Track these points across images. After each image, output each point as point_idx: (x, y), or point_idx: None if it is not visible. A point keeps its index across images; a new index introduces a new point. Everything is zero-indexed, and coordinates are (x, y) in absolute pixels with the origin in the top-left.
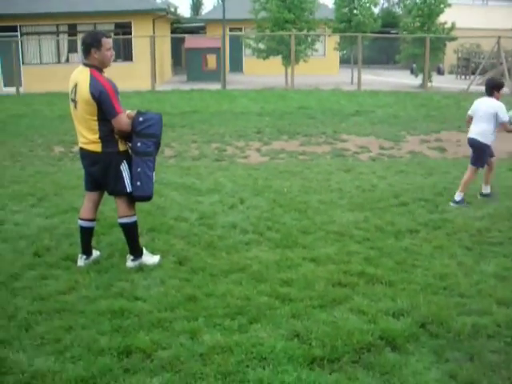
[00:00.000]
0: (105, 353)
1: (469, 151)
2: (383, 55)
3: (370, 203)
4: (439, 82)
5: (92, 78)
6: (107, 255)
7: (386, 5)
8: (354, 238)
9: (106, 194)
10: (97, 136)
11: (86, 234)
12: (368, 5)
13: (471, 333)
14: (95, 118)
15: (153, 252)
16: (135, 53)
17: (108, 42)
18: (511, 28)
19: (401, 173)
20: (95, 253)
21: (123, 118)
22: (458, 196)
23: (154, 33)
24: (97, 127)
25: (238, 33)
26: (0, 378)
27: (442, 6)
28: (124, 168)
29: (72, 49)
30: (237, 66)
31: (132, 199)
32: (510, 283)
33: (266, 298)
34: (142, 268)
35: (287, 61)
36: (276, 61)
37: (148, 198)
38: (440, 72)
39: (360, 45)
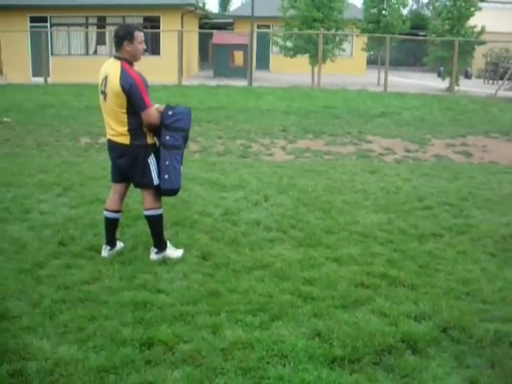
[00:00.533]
0: (127, 344)
1: (495, 156)
2: (411, 57)
3: (394, 205)
4: (466, 85)
5: (123, 70)
6: (131, 247)
7: (415, 6)
8: (377, 239)
9: (131, 187)
10: (126, 128)
11: (111, 225)
12: (397, 6)
13: (493, 340)
14: (124, 110)
15: (176, 246)
16: (163, 47)
17: (140, 36)
18: None
19: (425, 176)
20: (119, 244)
21: (153, 112)
22: None
23: (182, 27)
24: (126, 120)
25: (266, 30)
26: (23, 363)
27: (472, 9)
28: (151, 161)
29: (100, 41)
30: (263, 64)
31: (158, 192)
32: None
33: (289, 296)
34: (165, 261)
35: (314, 60)
36: (303, 59)
37: (175, 192)
38: (467, 76)
39: (388, 46)
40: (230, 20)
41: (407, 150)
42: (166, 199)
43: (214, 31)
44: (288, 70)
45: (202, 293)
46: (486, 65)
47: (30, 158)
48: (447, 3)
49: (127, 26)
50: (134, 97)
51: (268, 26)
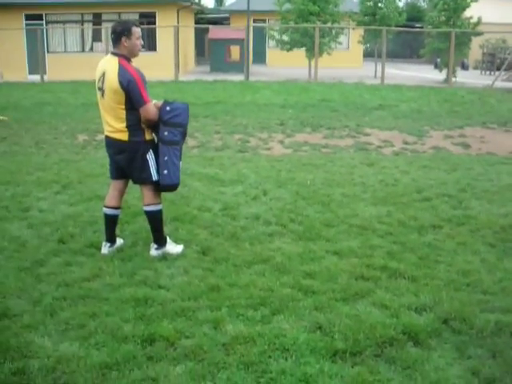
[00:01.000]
0: (128, 340)
1: (493, 147)
2: (407, 49)
3: (392, 197)
4: (464, 77)
5: (120, 66)
6: (131, 243)
7: None
8: (376, 232)
9: (130, 183)
10: (124, 125)
11: (111, 222)
12: None
13: (494, 330)
14: (123, 106)
15: (176, 241)
16: (159, 43)
17: (138, 31)
18: None
19: (424, 168)
20: (119, 241)
21: (151, 107)
22: None
23: (178, 23)
24: (124, 116)
25: (262, 24)
26: (25, 361)
27: (468, 0)
28: (150, 157)
29: (96, 38)
30: (260, 58)
31: (158, 187)
32: None
33: (289, 290)
34: (165, 257)
35: (311, 53)
36: (299, 53)
37: (175, 187)
38: (464, 67)
39: (384, 38)
40: (226, 15)
41: (405, 142)
42: (164, 195)
43: (210, 26)
44: (285, 64)
45: (203, 288)
46: (483, 56)
47: (28, 156)
48: None
49: (125, 21)
50: (132, 93)
51: (264, 20)
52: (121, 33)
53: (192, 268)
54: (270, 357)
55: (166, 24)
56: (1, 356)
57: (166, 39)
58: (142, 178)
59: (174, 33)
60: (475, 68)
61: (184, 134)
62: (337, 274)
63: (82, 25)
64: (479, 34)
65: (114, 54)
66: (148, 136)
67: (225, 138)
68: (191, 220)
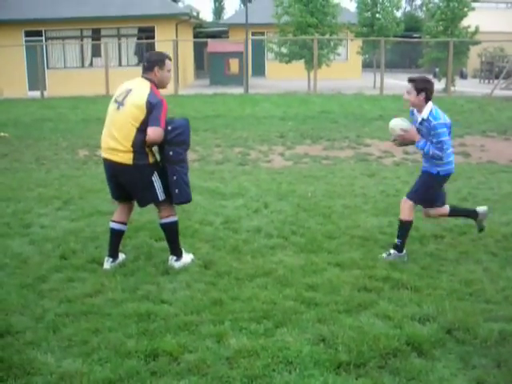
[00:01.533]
0: (132, 355)
1: (493, 156)
2: (405, 59)
3: (394, 208)
4: (462, 86)
5: (152, 91)
6: (133, 258)
7: (408, 9)
8: (378, 242)
9: None
10: (130, 144)
11: (117, 237)
12: (390, 9)
13: (498, 339)
14: (137, 124)
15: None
16: None
17: (170, 65)
18: None
19: None
20: (121, 256)
21: (161, 131)
22: None
23: (176, 37)
24: (133, 134)
25: (261, 37)
26: (29, 378)
27: (465, 9)
28: (155, 179)
29: (96, 53)
30: (259, 70)
31: (170, 200)
32: None
33: (292, 303)
34: (167, 271)
35: (310, 65)
36: (298, 65)
37: (188, 202)
38: (463, 76)
39: (383, 49)
40: (225, 28)
41: (406, 153)
42: None
43: (209, 40)
44: (284, 76)
45: (206, 302)
46: (481, 64)
47: (29, 173)
48: (440, 4)
49: (160, 53)
50: (155, 111)
51: (263, 33)
52: (155, 62)
53: (194, 282)
54: (273, 370)
55: (164, 38)
56: (4, 373)
57: None
58: (148, 200)
59: (172, 47)
60: (474, 77)
61: (187, 149)
62: (339, 286)
63: (82, 40)
64: (477, 42)
65: (145, 78)
66: (151, 159)
67: (225, 152)
68: (193, 234)
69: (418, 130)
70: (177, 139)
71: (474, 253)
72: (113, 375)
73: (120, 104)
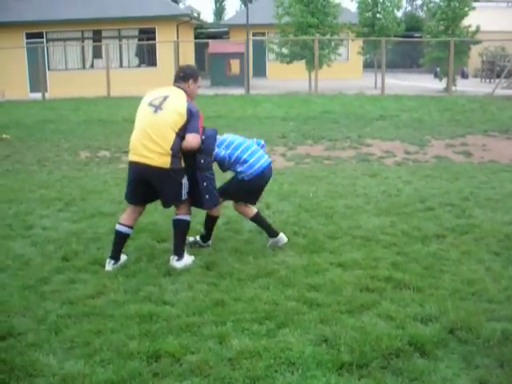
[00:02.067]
0: (134, 357)
1: (495, 155)
2: (407, 59)
3: (396, 208)
4: (464, 85)
5: (189, 100)
6: (135, 259)
7: (409, 8)
8: (380, 242)
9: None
10: (169, 147)
11: (121, 239)
12: (391, 9)
13: (501, 339)
14: (176, 129)
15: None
16: (159, 58)
17: (201, 81)
18: None
19: (426, 177)
20: (123, 257)
21: (199, 139)
22: None
23: (177, 38)
24: (173, 138)
25: (262, 37)
26: (31, 380)
27: (466, 9)
28: (184, 182)
29: (97, 54)
30: (260, 71)
31: (190, 202)
32: None
33: (294, 303)
34: (169, 272)
35: (311, 65)
36: (299, 65)
37: (216, 206)
38: (464, 76)
39: (384, 49)
40: (226, 29)
41: (407, 152)
42: (167, 209)
43: (210, 41)
44: (285, 77)
45: (208, 303)
46: (483, 64)
47: (31, 174)
48: (441, 4)
49: (194, 68)
50: (193, 119)
51: (263, 34)
52: (190, 75)
53: (196, 283)
54: (276, 371)
55: (165, 39)
56: (6, 375)
57: (165, 54)
58: (173, 201)
59: (173, 48)
60: (475, 76)
61: None
62: (341, 286)
63: (83, 42)
64: (478, 42)
65: (179, 87)
66: (183, 163)
67: None
68: (195, 235)
69: None
70: (208, 148)
71: (477, 252)
72: (115, 376)
73: (158, 108)
